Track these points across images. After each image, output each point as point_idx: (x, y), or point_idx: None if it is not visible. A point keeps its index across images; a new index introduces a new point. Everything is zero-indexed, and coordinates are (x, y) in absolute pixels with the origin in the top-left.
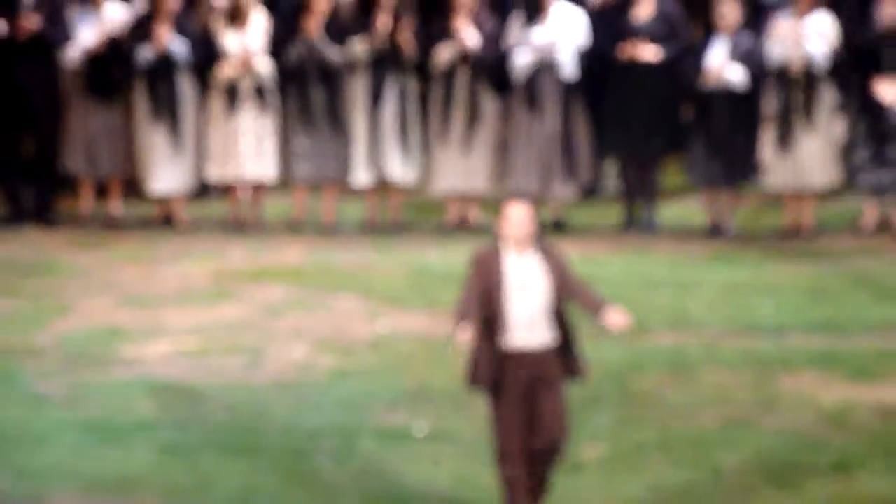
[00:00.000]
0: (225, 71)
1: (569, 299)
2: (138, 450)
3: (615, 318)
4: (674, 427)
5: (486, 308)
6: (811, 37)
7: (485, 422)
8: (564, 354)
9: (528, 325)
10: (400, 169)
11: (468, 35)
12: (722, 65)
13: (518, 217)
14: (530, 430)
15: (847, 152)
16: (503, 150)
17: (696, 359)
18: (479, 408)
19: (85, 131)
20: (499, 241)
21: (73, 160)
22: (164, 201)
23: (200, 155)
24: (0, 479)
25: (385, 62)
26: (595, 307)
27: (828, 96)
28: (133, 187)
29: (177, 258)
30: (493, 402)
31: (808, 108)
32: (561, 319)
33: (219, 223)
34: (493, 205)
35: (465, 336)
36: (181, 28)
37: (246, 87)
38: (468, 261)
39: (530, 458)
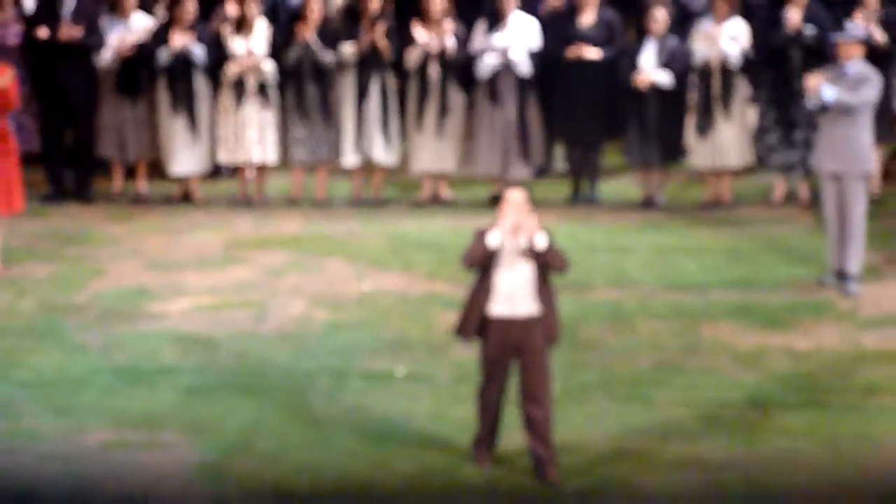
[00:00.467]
0: (233, 70)
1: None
2: (162, 391)
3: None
4: (613, 368)
5: (481, 282)
6: (728, 39)
7: (457, 366)
8: (545, 322)
9: (514, 295)
10: (382, 152)
11: (441, 39)
12: (649, 71)
13: (514, 201)
14: (524, 386)
15: (759, 136)
16: (469, 137)
17: (632, 311)
18: (452, 353)
19: (116, 122)
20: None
21: (106, 146)
22: (182, 181)
23: (213, 141)
24: (43, 417)
25: (369, 63)
26: (548, 325)
27: (742, 89)
28: (157, 169)
29: (194, 229)
30: (482, 359)
31: (726, 100)
32: (544, 292)
33: (229, 199)
34: (461, 183)
35: (495, 238)
36: (196, 34)
37: (251, 84)
38: (473, 234)
39: (528, 415)
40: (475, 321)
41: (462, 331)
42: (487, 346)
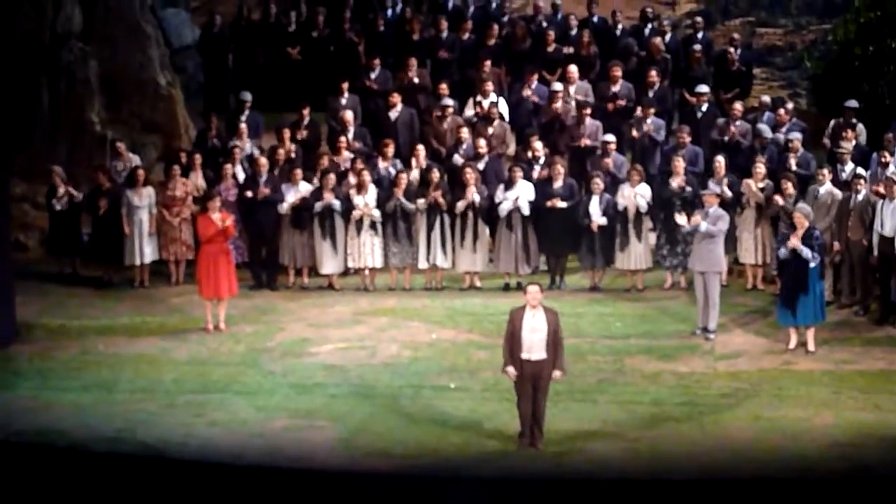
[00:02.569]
0: (356, 215)
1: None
2: (316, 396)
3: (556, 375)
4: (574, 383)
5: (513, 338)
6: (639, 195)
7: (484, 382)
8: (554, 361)
9: (534, 347)
10: (441, 259)
11: (474, 195)
12: (596, 218)
13: (533, 292)
14: (533, 398)
15: (656, 249)
16: (493, 249)
17: (585, 351)
18: (482, 375)
19: (290, 243)
20: (523, 304)
21: (284, 257)
22: (328, 277)
23: (345, 254)
24: (249, 411)
25: (433, 210)
26: (553, 364)
27: (646, 223)
28: (313, 270)
29: (335, 304)
30: (515, 384)
31: (637, 229)
32: (554, 343)
33: (355, 287)
34: (487, 276)
35: (512, 373)
36: (335, 194)
37: (366, 222)
38: (509, 312)
39: (533, 412)
40: (512, 362)
41: (506, 366)
42: (518, 376)
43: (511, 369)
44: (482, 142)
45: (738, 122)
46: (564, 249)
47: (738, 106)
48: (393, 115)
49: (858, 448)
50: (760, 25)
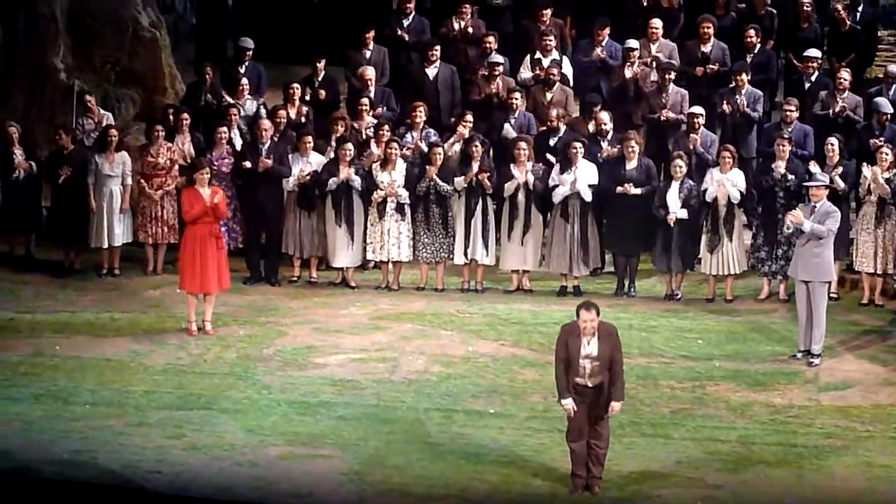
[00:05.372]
0: (379, 195)
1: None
2: (322, 418)
3: (614, 407)
4: (642, 414)
5: (567, 363)
6: (730, 184)
7: (531, 408)
8: (610, 388)
9: (589, 373)
10: (483, 254)
11: (526, 176)
12: (674, 211)
13: (587, 319)
14: (590, 429)
15: (752, 251)
16: (546, 244)
17: (657, 373)
18: (528, 398)
19: (296, 228)
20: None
21: (289, 245)
22: (341, 271)
23: (364, 243)
24: (238, 434)
25: (474, 191)
26: (610, 393)
27: (740, 218)
28: (324, 262)
29: (349, 305)
30: (568, 418)
31: (728, 226)
32: (612, 369)
33: (374, 285)
34: (538, 277)
35: (570, 408)
36: (354, 168)
37: (391, 204)
38: (560, 328)
39: (588, 445)
40: (567, 388)
41: (562, 396)
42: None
43: (570, 403)
44: (556, 112)
45: (845, 94)
46: (636, 248)
47: (844, 74)
48: (431, 72)
49: None
50: None
